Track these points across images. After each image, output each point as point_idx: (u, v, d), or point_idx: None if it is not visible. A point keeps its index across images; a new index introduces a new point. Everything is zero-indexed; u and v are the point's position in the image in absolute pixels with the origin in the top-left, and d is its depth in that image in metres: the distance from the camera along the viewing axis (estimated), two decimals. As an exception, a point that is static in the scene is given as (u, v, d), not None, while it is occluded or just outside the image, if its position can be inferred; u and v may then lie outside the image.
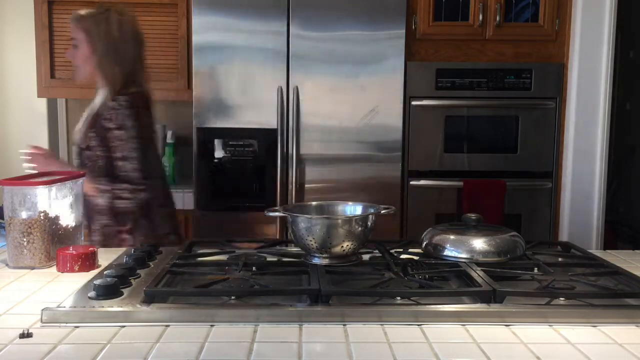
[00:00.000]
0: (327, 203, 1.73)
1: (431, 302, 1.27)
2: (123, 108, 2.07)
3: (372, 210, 1.59)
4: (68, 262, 1.55)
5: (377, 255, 1.63)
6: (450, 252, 1.57)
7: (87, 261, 1.56)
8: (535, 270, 1.52)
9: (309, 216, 1.56)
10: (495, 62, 3.02)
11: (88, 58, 2.14)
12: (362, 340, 1.13)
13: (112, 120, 2.07)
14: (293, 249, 1.72)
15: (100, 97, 2.17)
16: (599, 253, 1.76)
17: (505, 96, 3.01)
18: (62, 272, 1.55)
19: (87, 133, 2.15)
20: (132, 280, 1.40)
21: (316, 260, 1.52)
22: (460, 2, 3.00)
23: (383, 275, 1.43)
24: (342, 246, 1.50)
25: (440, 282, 1.46)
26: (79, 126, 2.23)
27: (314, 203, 1.73)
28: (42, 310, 1.21)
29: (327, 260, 1.52)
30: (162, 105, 3.52)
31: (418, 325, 1.20)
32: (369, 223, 1.55)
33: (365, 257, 1.63)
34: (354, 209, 1.67)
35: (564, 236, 3.02)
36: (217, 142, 2.90)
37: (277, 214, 1.59)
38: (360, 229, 1.52)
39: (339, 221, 1.52)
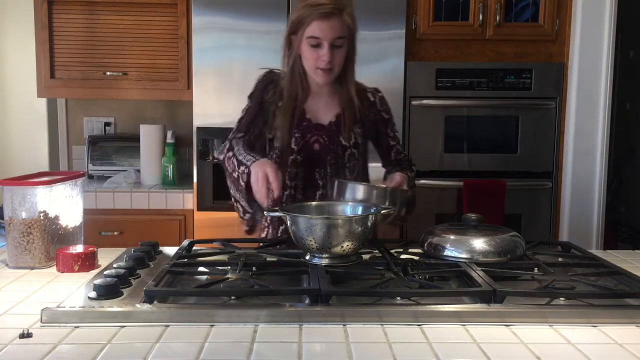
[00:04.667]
0: (327, 203, 1.74)
1: (431, 302, 1.27)
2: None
3: (371, 211, 1.60)
4: (68, 262, 1.55)
5: (377, 255, 1.63)
6: (450, 252, 1.57)
7: (87, 261, 1.56)
8: (535, 270, 1.52)
9: (308, 216, 1.56)
10: (495, 62, 3.02)
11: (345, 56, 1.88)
12: (362, 340, 1.13)
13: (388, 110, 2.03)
14: (293, 249, 1.72)
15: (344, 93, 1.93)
16: (599, 253, 1.76)
17: (505, 96, 3.01)
18: (62, 272, 1.55)
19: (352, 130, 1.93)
20: (132, 280, 1.40)
21: (316, 261, 1.52)
22: (460, 2, 3.00)
23: (383, 275, 1.43)
24: (342, 246, 1.50)
25: (440, 282, 1.46)
26: (287, 121, 1.91)
27: (313, 203, 1.73)
28: (42, 310, 1.21)
29: (327, 260, 1.52)
30: (162, 105, 3.54)
31: (418, 325, 1.20)
32: (369, 223, 1.55)
33: (365, 257, 1.63)
34: (353, 209, 1.67)
35: (564, 236, 3.02)
36: (217, 142, 2.90)
37: (276, 214, 1.59)
38: (360, 229, 1.52)
39: (339, 221, 1.52)
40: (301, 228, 1.51)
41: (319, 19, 1.79)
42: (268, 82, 1.97)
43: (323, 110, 1.94)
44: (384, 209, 1.62)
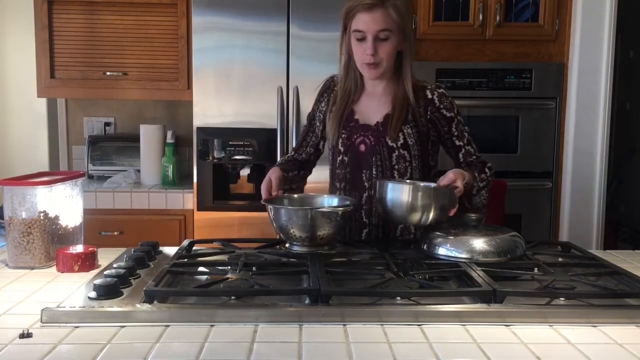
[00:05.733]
0: (307, 195, 1.85)
1: (431, 302, 1.27)
2: (449, 94, 1.91)
3: (346, 203, 1.72)
4: (68, 262, 1.55)
5: (377, 255, 1.63)
6: (450, 252, 1.57)
7: (87, 261, 1.56)
8: (536, 270, 1.52)
9: (283, 206, 1.68)
10: (495, 62, 3.02)
11: (394, 50, 1.81)
12: (362, 340, 1.13)
13: (451, 108, 1.89)
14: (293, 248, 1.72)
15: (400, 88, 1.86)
16: (599, 253, 1.76)
17: (505, 96, 3.01)
18: (62, 272, 1.55)
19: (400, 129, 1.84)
20: (132, 280, 1.40)
21: (296, 249, 1.65)
22: (460, 2, 3.00)
23: (383, 275, 1.43)
24: (310, 234, 1.61)
25: (440, 282, 1.46)
26: (337, 119, 1.88)
27: (295, 195, 1.86)
28: (42, 310, 1.21)
29: (306, 248, 1.63)
30: (162, 105, 3.54)
31: (418, 325, 1.20)
32: (339, 213, 1.64)
33: (365, 257, 1.63)
34: (330, 201, 1.77)
35: (564, 236, 3.01)
36: (217, 142, 2.90)
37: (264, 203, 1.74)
38: (328, 220, 1.61)
39: (304, 212, 1.62)
40: (281, 217, 1.63)
41: (363, 12, 1.76)
42: (324, 91, 1.99)
43: (374, 110, 1.88)
44: (345, 207, 1.68)
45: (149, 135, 3.21)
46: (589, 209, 3.04)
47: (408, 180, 1.79)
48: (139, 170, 3.24)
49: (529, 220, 3.05)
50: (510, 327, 1.20)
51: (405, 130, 1.84)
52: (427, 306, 1.25)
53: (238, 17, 2.86)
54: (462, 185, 1.66)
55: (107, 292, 1.28)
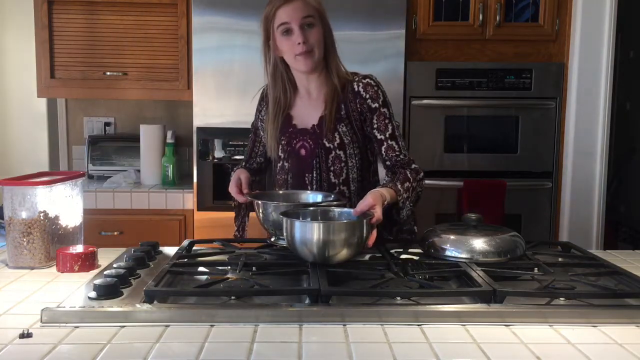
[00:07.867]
0: (292, 192, 1.86)
1: (431, 302, 1.27)
2: (377, 84, 1.84)
3: (329, 199, 1.74)
4: (68, 262, 1.55)
5: (377, 255, 1.63)
6: (450, 252, 1.57)
7: (87, 261, 1.56)
8: (536, 270, 1.52)
9: (269, 202, 1.69)
10: (495, 62, 3.02)
11: (322, 37, 1.81)
12: (362, 340, 1.13)
13: (376, 98, 1.82)
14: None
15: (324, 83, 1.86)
16: (599, 253, 1.76)
17: (505, 96, 3.01)
18: (62, 272, 1.55)
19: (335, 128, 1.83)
20: (132, 280, 1.40)
21: (282, 242, 1.64)
22: (460, 2, 3.00)
23: (383, 275, 1.43)
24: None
25: (440, 282, 1.46)
26: (273, 128, 1.89)
27: (281, 191, 1.88)
28: (42, 310, 1.21)
29: (283, 241, 1.64)
30: (162, 105, 3.54)
31: (418, 325, 1.20)
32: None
33: (365, 257, 1.63)
34: (314, 197, 1.80)
35: (564, 236, 3.01)
36: (217, 142, 2.90)
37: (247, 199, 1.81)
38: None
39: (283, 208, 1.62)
40: (267, 213, 1.67)
41: (282, 6, 1.77)
42: (261, 100, 2.00)
43: (310, 113, 1.87)
44: (336, 201, 1.71)
45: (149, 135, 3.21)
46: (589, 209, 3.04)
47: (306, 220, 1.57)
48: (139, 170, 3.24)
49: (529, 220, 3.05)
50: (510, 327, 1.20)
51: (340, 129, 1.83)
52: (427, 306, 1.25)
53: (238, 17, 2.86)
54: (381, 212, 1.54)
55: (107, 292, 1.28)
